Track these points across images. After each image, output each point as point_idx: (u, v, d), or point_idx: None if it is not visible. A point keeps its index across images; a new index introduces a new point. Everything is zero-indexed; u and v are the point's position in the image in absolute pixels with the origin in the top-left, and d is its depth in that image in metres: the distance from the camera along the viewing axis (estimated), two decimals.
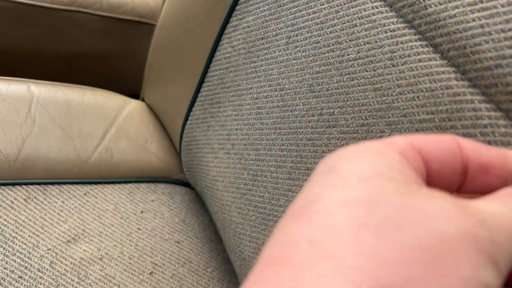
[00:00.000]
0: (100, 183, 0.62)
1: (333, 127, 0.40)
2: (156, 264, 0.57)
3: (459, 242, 0.16)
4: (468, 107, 0.30)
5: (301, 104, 0.43)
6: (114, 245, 0.56)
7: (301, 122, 0.43)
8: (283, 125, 0.45)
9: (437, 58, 0.32)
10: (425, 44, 0.33)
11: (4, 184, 0.57)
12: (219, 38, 0.53)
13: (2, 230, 0.53)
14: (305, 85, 0.42)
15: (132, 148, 0.67)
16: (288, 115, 0.44)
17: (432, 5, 0.32)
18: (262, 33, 0.47)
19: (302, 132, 0.42)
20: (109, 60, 0.91)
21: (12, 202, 0.56)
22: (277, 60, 0.45)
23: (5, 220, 0.54)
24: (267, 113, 0.47)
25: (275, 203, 0.46)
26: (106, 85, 0.78)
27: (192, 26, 0.59)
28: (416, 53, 0.34)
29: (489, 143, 0.29)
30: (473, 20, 0.29)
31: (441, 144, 0.21)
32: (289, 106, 0.44)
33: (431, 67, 0.33)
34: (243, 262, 0.52)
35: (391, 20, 0.35)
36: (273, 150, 0.46)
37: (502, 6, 0.28)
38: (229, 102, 0.52)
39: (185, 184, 0.67)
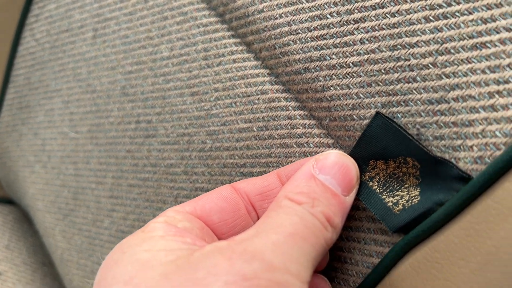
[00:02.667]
0: None
1: (153, 136, 0.34)
2: None
3: None
4: (283, 114, 0.27)
5: (115, 109, 0.36)
6: None
7: (118, 131, 0.36)
8: (99, 134, 0.38)
9: (251, 58, 0.28)
10: (238, 42, 0.29)
11: None
12: (20, 30, 0.43)
13: None
14: (118, 87, 0.36)
15: None
16: (103, 122, 0.37)
17: None
18: (66, 24, 0.39)
19: (120, 142, 0.36)
20: None
21: None
22: (85, 57, 0.38)
23: None
24: (81, 120, 0.39)
25: (100, 225, 0.39)
26: None
27: None
28: (230, 52, 0.29)
29: (305, 154, 0.26)
30: (281, 16, 0.26)
31: (214, 195, 0.24)
32: (103, 112, 0.37)
33: (246, 69, 0.29)
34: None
35: (203, 13, 0.31)
36: (91, 163, 0.39)
37: (307, 1, 0.25)
38: (40, 106, 0.43)
39: (8, 201, 0.57)
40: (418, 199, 0.21)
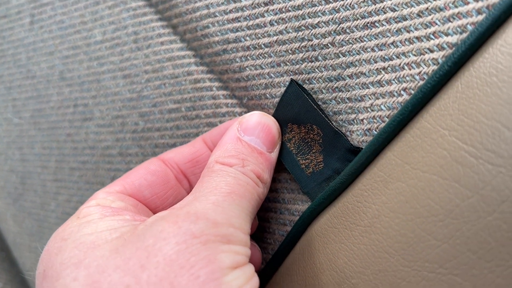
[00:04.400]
0: None
1: (89, 119, 0.35)
2: None
3: (185, 252, 0.18)
4: (208, 94, 0.28)
5: (55, 94, 0.37)
6: None
7: (58, 116, 0.37)
8: (41, 119, 0.38)
9: (178, 41, 0.29)
10: (165, 25, 0.30)
11: None
12: None
13: None
14: (57, 72, 0.36)
15: None
16: (44, 107, 0.38)
17: None
18: (4, 10, 0.39)
19: (60, 126, 0.37)
20: None
21: None
22: (23, 43, 0.38)
23: None
24: (23, 106, 0.40)
25: (47, 207, 0.40)
26: None
27: None
28: (158, 35, 0.30)
29: None
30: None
31: (141, 171, 0.24)
32: (44, 97, 0.38)
33: (173, 51, 0.29)
34: (27, 275, 0.45)
35: None
36: (35, 148, 0.40)
37: None
38: None
39: None
40: (322, 165, 0.23)
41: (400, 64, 0.20)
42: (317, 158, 0.23)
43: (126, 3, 0.32)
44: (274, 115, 0.24)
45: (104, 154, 0.34)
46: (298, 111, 0.23)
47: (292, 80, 0.23)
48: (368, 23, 0.21)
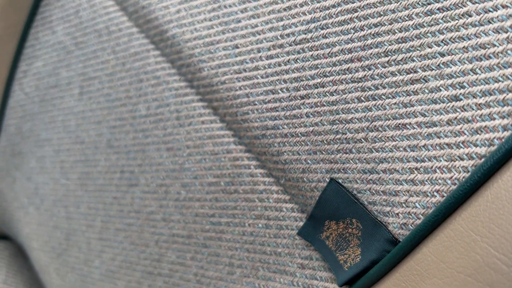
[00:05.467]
0: None
1: (135, 185, 0.37)
2: None
3: None
4: (246, 172, 0.30)
5: (102, 159, 0.40)
6: None
7: (105, 180, 0.40)
8: (89, 181, 0.41)
9: (217, 121, 0.32)
10: (206, 105, 0.32)
11: None
12: (9, 84, 0.47)
13: None
14: (104, 140, 0.39)
15: None
16: (92, 171, 0.41)
17: (205, 68, 0.31)
18: (54, 81, 0.42)
19: (107, 190, 0.39)
20: None
21: None
22: (73, 111, 0.41)
23: None
24: (71, 168, 0.43)
25: (91, 264, 0.42)
26: None
27: None
28: (199, 115, 0.33)
29: (265, 208, 0.29)
30: (240, 88, 0.29)
31: None
32: (91, 161, 0.41)
33: (213, 130, 0.32)
34: None
35: (174, 77, 0.34)
36: (81, 208, 0.42)
37: (262, 77, 0.28)
38: (32, 153, 0.47)
39: (3, 237, 0.60)
40: (359, 258, 0.24)
41: (432, 167, 0.22)
42: (355, 252, 0.24)
43: (168, 82, 0.34)
44: (312, 213, 0.26)
45: (149, 218, 0.36)
46: (337, 207, 0.25)
47: (331, 179, 0.25)
48: (399, 124, 0.23)
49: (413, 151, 0.22)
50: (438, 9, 0.22)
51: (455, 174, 0.21)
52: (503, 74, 0.20)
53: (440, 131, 0.22)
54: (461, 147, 0.21)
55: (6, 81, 0.46)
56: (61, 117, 0.43)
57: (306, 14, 0.26)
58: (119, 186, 0.39)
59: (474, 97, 0.21)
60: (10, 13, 0.42)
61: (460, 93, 0.21)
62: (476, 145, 0.20)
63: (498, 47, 0.20)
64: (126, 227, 0.38)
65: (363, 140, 0.24)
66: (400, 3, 0.23)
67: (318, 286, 0.27)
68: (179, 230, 0.34)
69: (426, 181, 0.22)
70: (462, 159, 0.21)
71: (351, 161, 0.25)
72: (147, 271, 0.37)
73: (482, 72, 0.21)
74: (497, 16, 0.20)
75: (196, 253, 0.33)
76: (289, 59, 0.27)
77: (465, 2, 0.21)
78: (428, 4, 0.22)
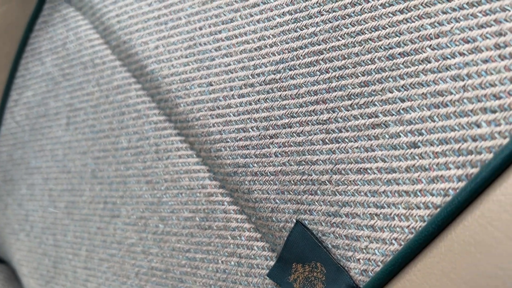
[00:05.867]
0: None
1: (117, 217, 0.38)
2: None
3: None
4: (220, 208, 0.30)
5: (87, 189, 0.40)
6: None
7: (90, 209, 0.40)
8: (75, 210, 0.41)
9: (194, 155, 0.32)
10: (183, 140, 0.32)
11: None
12: (1, 112, 0.48)
13: None
14: (89, 170, 0.40)
15: None
16: (78, 200, 0.41)
17: (182, 104, 0.31)
18: (43, 110, 0.43)
19: (92, 219, 0.40)
20: None
21: None
22: (61, 141, 0.42)
23: None
24: (59, 196, 0.43)
25: None
26: None
27: None
28: (176, 149, 0.33)
29: (237, 246, 0.29)
30: (213, 125, 0.29)
31: None
32: (77, 191, 0.41)
33: (189, 165, 0.32)
34: None
35: (154, 111, 0.34)
36: (68, 236, 0.43)
37: (234, 114, 0.28)
38: (22, 180, 0.47)
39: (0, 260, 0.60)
40: None
41: (391, 214, 0.21)
42: None
43: (148, 116, 0.35)
44: (281, 255, 0.26)
45: (130, 250, 0.36)
46: (303, 249, 0.25)
47: (297, 221, 0.25)
48: (361, 168, 0.23)
49: (374, 196, 0.22)
50: (399, 53, 0.22)
51: (412, 222, 0.20)
52: (459, 123, 0.20)
53: (399, 178, 0.21)
54: (419, 195, 0.20)
55: None
56: (49, 146, 0.43)
57: (275, 55, 0.27)
58: (102, 217, 0.39)
59: (431, 145, 0.20)
60: (1, 44, 0.43)
61: (419, 140, 0.21)
62: (432, 194, 0.20)
63: (455, 95, 0.20)
64: (109, 257, 0.39)
65: (327, 183, 0.24)
66: (363, 46, 0.23)
67: None
68: (157, 263, 0.34)
69: (385, 228, 0.21)
70: (419, 207, 0.20)
71: (316, 203, 0.25)
72: None
73: (439, 119, 0.20)
74: (454, 64, 0.20)
75: (173, 287, 0.33)
76: (259, 98, 0.27)
77: (425, 48, 0.21)
78: (390, 48, 0.22)
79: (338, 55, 0.24)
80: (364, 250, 0.22)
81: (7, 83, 0.45)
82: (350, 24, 0.23)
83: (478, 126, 0.19)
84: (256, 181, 0.27)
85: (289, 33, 0.26)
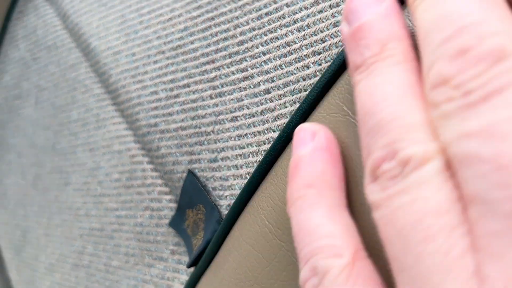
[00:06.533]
0: None
1: (69, 184, 0.41)
2: None
3: None
4: (139, 167, 0.33)
5: (48, 161, 0.44)
6: None
7: (50, 180, 0.44)
8: (39, 181, 0.45)
9: (124, 122, 0.35)
10: (116, 109, 0.36)
11: None
12: None
13: None
14: (51, 144, 0.44)
15: None
16: (42, 172, 0.45)
17: (113, 75, 0.35)
18: (18, 92, 0.48)
19: (51, 189, 0.44)
20: None
21: None
22: (31, 119, 0.46)
23: None
24: (28, 170, 0.47)
25: (39, 258, 0.46)
26: None
27: None
28: (111, 117, 0.36)
29: (151, 201, 0.32)
30: (134, 91, 0.33)
31: None
32: (41, 163, 0.45)
33: (119, 131, 0.35)
34: None
35: (97, 85, 0.38)
36: (34, 206, 0.46)
37: (149, 79, 0.32)
38: (2, 157, 0.52)
39: None
40: (202, 240, 0.26)
41: (247, 152, 0.24)
42: (200, 235, 0.27)
43: (93, 89, 0.38)
44: (178, 204, 0.28)
45: (77, 214, 0.40)
46: (191, 195, 0.27)
47: (189, 170, 0.28)
48: (234, 117, 0.25)
49: (239, 139, 0.25)
50: (265, 13, 0.25)
51: (260, 157, 0.23)
52: (297, 67, 0.22)
53: (256, 121, 0.24)
54: (266, 133, 0.23)
55: None
56: (22, 125, 0.48)
57: (181, 24, 0.30)
58: (58, 185, 0.43)
59: (278, 89, 0.23)
60: None
61: (271, 87, 0.23)
62: (274, 131, 0.22)
63: (297, 43, 0.23)
64: (62, 222, 0.42)
65: (211, 133, 0.27)
66: (242, 10, 0.26)
67: (182, 270, 0.29)
68: (95, 224, 0.38)
69: (244, 165, 0.24)
70: (264, 143, 0.23)
71: (203, 152, 0.27)
72: (74, 263, 0.40)
73: (285, 66, 0.23)
74: (301, 17, 0.23)
75: (105, 244, 0.36)
76: (167, 64, 0.30)
77: (283, 6, 0.24)
78: (260, 10, 0.25)
79: (225, 19, 0.27)
80: (230, 188, 0.25)
81: None
82: None
83: (308, 67, 0.21)
84: (162, 138, 0.30)
85: (192, 4, 0.29)
